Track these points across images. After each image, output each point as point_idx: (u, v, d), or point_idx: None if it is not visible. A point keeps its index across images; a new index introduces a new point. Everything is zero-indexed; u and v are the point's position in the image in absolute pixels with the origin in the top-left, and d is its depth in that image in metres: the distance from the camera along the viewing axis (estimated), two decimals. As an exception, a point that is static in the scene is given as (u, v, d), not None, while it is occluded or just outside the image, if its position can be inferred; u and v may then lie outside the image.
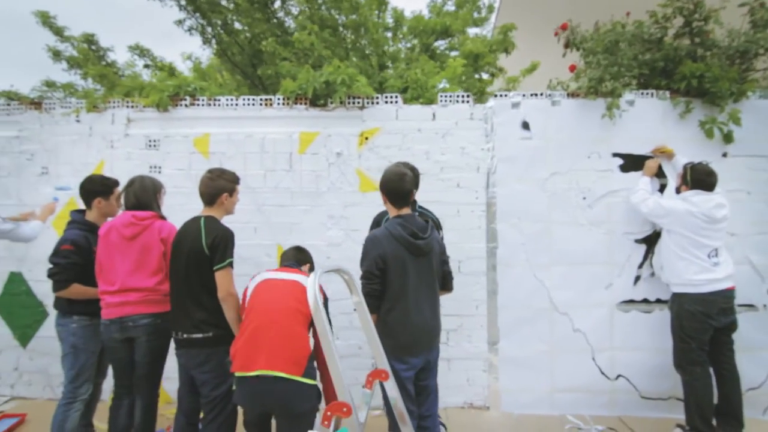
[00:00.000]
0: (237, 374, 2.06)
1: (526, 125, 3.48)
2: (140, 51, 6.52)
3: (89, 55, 6.16)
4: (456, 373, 3.51)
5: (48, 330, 3.71)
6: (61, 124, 3.72)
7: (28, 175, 3.71)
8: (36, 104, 3.76)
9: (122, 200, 2.68)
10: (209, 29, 5.87)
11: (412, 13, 6.17)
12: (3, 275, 3.73)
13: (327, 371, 1.85)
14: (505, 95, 3.54)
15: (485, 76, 5.95)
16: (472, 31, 6.12)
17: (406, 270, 2.22)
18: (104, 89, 5.62)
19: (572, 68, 3.66)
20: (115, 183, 2.82)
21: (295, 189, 3.54)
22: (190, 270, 2.31)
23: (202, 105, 3.64)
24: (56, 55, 6.12)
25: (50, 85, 5.85)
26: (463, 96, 3.55)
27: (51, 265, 2.58)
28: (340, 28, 5.71)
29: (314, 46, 4.92)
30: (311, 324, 2.13)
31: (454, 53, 6.08)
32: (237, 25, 5.90)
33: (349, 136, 3.55)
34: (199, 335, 2.29)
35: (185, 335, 2.31)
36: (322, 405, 2.21)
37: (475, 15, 6.24)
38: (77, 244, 2.61)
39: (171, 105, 3.62)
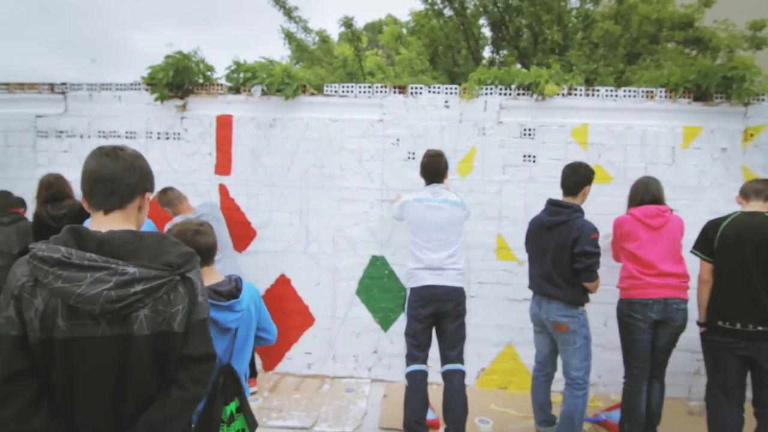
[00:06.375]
0: None
1: None
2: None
3: (327, 40, 6.06)
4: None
5: (408, 314, 3.73)
6: (428, 109, 3.70)
7: (393, 159, 3.71)
8: (401, 88, 3.73)
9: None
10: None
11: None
12: (364, 259, 3.73)
13: None
14: None
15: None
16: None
17: None
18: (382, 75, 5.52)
19: None
20: None
21: (677, 183, 3.54)
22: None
23: (580, 95, 3.62)
24: (288, 36, 5.99)
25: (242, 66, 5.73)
26: None
27: (589, 256, 2.52)
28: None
29: (609, 35, 4.84)
30: None
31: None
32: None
33: (734, 132, 3.54)
34: (782, 329, 2.31)
35: (760, 327, 2.34)
36: None
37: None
38: (598, 233, 2.62)
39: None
